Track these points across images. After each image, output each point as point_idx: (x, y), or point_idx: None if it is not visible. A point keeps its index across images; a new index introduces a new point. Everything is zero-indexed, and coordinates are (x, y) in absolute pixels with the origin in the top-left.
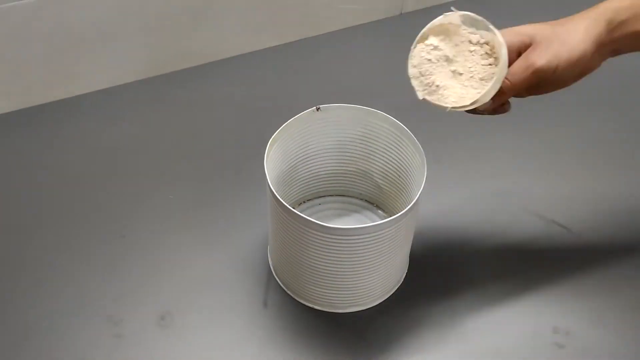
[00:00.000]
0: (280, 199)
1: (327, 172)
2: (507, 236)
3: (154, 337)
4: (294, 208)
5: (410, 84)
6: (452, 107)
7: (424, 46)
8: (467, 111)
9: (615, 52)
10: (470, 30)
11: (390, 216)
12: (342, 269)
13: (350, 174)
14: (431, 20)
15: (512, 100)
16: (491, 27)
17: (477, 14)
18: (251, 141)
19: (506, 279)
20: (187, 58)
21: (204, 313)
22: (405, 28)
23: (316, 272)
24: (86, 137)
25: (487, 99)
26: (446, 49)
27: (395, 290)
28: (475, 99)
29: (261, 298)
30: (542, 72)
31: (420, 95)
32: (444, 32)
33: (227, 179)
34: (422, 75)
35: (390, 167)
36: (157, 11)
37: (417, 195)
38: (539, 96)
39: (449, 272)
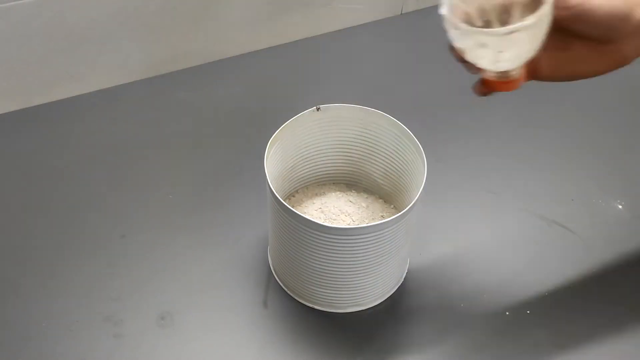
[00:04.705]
0: (281, 199)
1: (327, 172)
2: (507, 236)
3: (154, 337)
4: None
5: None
6: (509, 30)
7: None
8: (485, 82)
9: None
10: None
11: (391, 216)
12: (342, 269)
13: (351, 174)
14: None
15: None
16: None
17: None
18: (251, 141)
19: (506, 279)
20: (187, 58)
21: (204, 313)
22: (405, 28)
23: (316, 272)
24: (86, 137)
25: (542, 32)
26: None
27: (395, 290)
28: (535, 17)
29: (261, 298)
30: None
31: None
32: None
33: (227, 179)
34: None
35: (391, 167)
36: (157, 11)
37: (417, 195)
38: (539, 96)
39: (449, 272)
